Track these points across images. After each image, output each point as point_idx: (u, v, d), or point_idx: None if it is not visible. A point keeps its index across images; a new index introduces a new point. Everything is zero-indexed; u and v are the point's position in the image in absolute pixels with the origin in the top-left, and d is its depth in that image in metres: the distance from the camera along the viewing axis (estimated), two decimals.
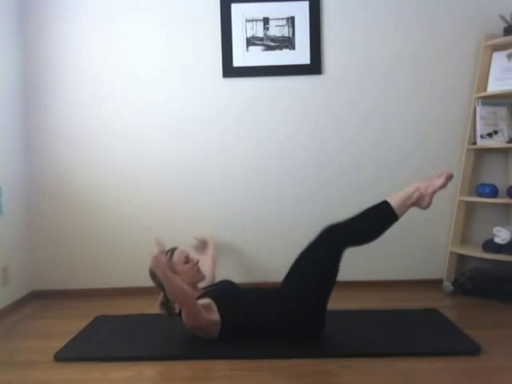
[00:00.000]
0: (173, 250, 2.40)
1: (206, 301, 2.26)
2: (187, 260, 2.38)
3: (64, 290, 3.25)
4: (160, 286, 2.35)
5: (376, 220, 2.32)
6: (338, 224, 2.33)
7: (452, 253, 3.15)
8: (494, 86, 3.04)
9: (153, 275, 2.37)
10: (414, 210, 3.20)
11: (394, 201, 2.30)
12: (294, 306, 2.23)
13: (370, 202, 3.18)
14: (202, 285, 2.50)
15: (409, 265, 3.25)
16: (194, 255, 2.52)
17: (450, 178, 2.33)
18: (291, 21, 3.18)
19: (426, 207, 2.34)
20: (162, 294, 2.38)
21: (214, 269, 2.87)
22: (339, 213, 3.21)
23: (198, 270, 2.41)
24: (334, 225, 2.33)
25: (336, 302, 2.80)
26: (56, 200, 3.25)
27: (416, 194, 2.30)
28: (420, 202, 2.32)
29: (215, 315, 2.24)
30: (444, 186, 2.32)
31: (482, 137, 3.08)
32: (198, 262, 2.40)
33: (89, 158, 3.24)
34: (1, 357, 2.27)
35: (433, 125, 3.22)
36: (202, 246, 3.01)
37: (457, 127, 3.20)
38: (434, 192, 2.31)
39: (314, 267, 2.27)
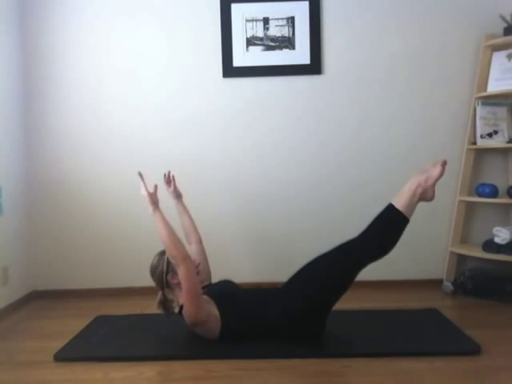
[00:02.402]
0: None
1: (206, 298, 2.27)
2: None
3: (64, 289, 3.25)
4: (160, 284, 2.35)
5: (391, 232, 2.30)
6: (354, 239, 2.30)
7: (452, 253, 3.15)
8: (494, 86, 3.04)
9: (153, 274, 2.37)
10: None
11: (400, 203, 2.29)
12: (299, 306, 2.23)
13: (369, 201, 3.20)
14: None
15: (409, 265, 3.25)
16: (194, 256, 2.52)
17: (445, 165, 2.33)
18: (291, 21, 3.18)
19: (431, 199, 2.34)
20: (160, 293, 2.37)
21: (195, 226, 2.76)
22: (339, 212, 3.25)
23: (198, 273, 2.40)
24: (351, 240, 2.31)
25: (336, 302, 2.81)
26: (56, 200, 3.25)
27: (419, 190, 2.30)
28: (424, 195, 2.31)
29: (215, 313, 2.24)
30: (442, 174, 2.32)
31: (482, 137, 3.08)
32: (198, 265, 2.40)
33: (89, 158, 3.24)
34: (1, 357, 2.26)
35: (433, 125, 3.22)
36: (177, 194, 2.82)
37: (457, 127, 3.21)
38: (435, 182, 2.31)
39: (328, 272, 2.25)
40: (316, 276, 2.26)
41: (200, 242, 2.74)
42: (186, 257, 2.20)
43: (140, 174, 2.37)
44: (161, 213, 2.28)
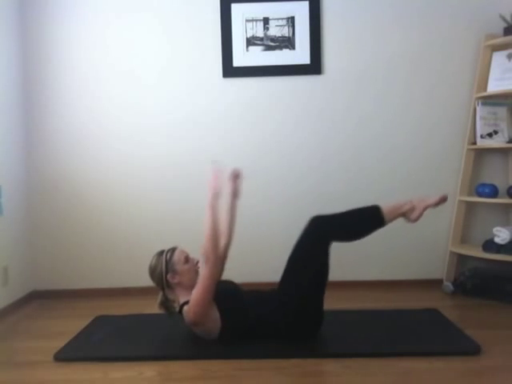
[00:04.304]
0: (173, 250, 2.39)
1: None
2: (187, 260, 2.38)
3: (64, 289, 3.25)
4: (159, 284, 2.35)
5: (363, 221, 2.36)
6: (324, 217, 2.34)
7: (452, 253, 3.15)
8: (494, 86, 3.04)
9: (152, 274, 2.37)
10: None
11: (384, 207, 2.34)
12: (290, 305, 2.24)
13: (369, 201, 3.18)
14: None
15: (409, 265, 3.25)
16: (193, 256, 2.51)
17: (444, 199, 2.38)
18: (291, 21, 3.18)
19: (414, 221, 2.38)
20: (160, 293, 2.37)
21: (232, 232, 2.62)
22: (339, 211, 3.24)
23: (197, 271, 2.40)
24: (321, 218, 2.34)
25: (336, 302, 2.81)
26: (56, 200, 3.25)
27: (408, 206, 2.36)
28: (410, 213, 2.36)
29: (215, 313, 2.24)
30: (436, 204, 2.38)
31: (482, 137, 3.08)
32: (197, 263, 2.40)
33: (89, 158, 3.24)
34: (1, 357, 2.27)
35: (433, 125, 3.22)
36: (237, 193, 2.63)
37: (457, 127, 3.21)
38: (426, 208, 2.36)
39: (303, 266, 2.29)
40: (300, 273, 2.28)
41: (226, 248, 2.59)
42: (217, 258, 2.21)
43: (215, 162, 2.31)
44: (216, 208, 2.25)
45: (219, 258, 2.25)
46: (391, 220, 2.36)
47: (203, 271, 2.21)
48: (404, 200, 2.39)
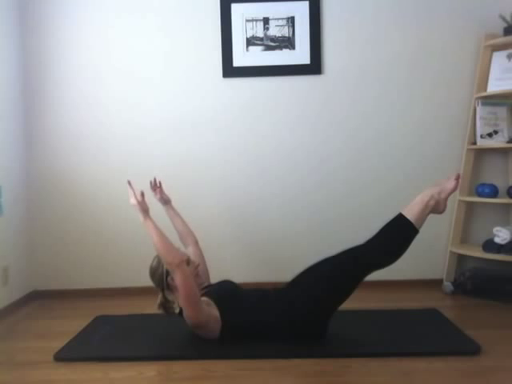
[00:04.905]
0: None
1: (205, 299, 2.27)
2: (187, 263, 2.38)
3: (64, 289, 3.25)
4: (159, 285, 2.35)
5: (400, 240, 2.30)
6: (361, 245, 2.30)
7: (452, 253, 3.15)
8: (494, 86, 3.04)
9: (153, 276, 2.37)
10: None
11: (410, 214, 2.28)
12: (301, 306, 2.22)
13: (369, 201, 3.21)
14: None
15: (409, 265, 3.24)
16: (194, 259, 2.51)
17: (458, 178, 2.35)
18: (291, 21, 3.18)
19: (443, 211, 2.36)
20: (160, 295, 2.37)
21: (189, 228, 2.74)
22: (339, 212, 3.24)
23: (198, 275, 2.40)
24: (358, 246, 2.30)
25: None
26: (56, 200, 3.25)
27: (432, 203, 2.31)
28: (436, 208, 2.33)
29: (215, 312, 2.24)
30: (456, 188, 2.34)
31: (482, 137, 3.08)
32: (198, 266, 2.40)
33: (89, 157, 3.24)
34: (1, 357, 2.27)
35: (433, 125, 3.22)
36: (165, 200, 2.79)
37: (457, 127, 3.21)
38: (448, 196, 2.33)
39: (328, 284, 2.24)
40: (321, 278, 2.26)
41: (196, 243, 2.71)
42: (181, 262, 2.17)
43: (129, 183, 2.33)
44: (152, 220, 2.26)
45: (183, 261, 2.18)
46: (422, 223, 2.31)
47: (176, 278, 2.17)
48: (423, 197, 2.31)
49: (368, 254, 2.27)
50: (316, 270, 2.30)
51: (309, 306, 2.23)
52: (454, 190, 2.34)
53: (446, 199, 2.33)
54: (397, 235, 2.30)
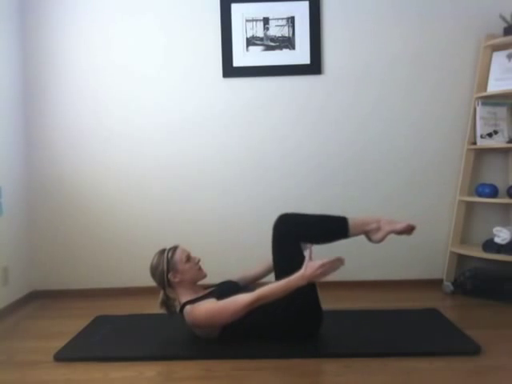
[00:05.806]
0: (174, 249, 2.40)
1: (212, 300, 2.27)
2: (188, 259, 2.38)
3: (64, 289, 3.25)
4: (161, 283, 2.36)
5: (328, 230, 2.33)
6: (291, 216, 2.33)
7: (452, 253, 3.15)
8: (494, 86, 3.04)
9: (154, 273, 2.37)
10: (413, 210, 3.21)
11: (352, 221, 2.31)
12: (287, 304, 2.23)
13: (369, 201, 3.21)
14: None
15: (409, 265, 3.26)
16: (194, 255, 2.52)
17: (411, 228, 2.32)
18: (291, 21, 3.18)
19: (376, 242, 2.35)
20: (162, 293, 2.38)
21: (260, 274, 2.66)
22: (339, 213, 3.23)
23: (200, 269, 2.41)
24: (288, 217, 2.34)
25: (336, 302, 2.81)
26: (56, 200, 3.25)
27: (374, 225, 2.32)
28: (374, 233, 2.33)
29: None
30: (402, 231, 2.31)
31: (482, 137, 3.08)
32: (199, 261, 2.41)
33: (89, 158, 3.24)
34: (1, 357, 2.26)
35: (433, 125, 3.22)
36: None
37: (457, 127, 3.21)
38: (390, 232, 2.32)
39: (284, 267, 2.26)
40: (283, 271, 2.25)
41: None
42: (259, 303, 2.16)
43: (310, 248, 2.19)
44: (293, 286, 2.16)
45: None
46: (355, 235, 2.32)
47: (247, 297, 2.15)
48: (373, 217, 2.34)
49: (296, 229, 2.29)
50: (275, 263, 2.34)
51: (292, 302, 2.21)
52: (400, 231, 2.31)
53: (387, 233, 2.32)
54: (329, 229, 2.32)
